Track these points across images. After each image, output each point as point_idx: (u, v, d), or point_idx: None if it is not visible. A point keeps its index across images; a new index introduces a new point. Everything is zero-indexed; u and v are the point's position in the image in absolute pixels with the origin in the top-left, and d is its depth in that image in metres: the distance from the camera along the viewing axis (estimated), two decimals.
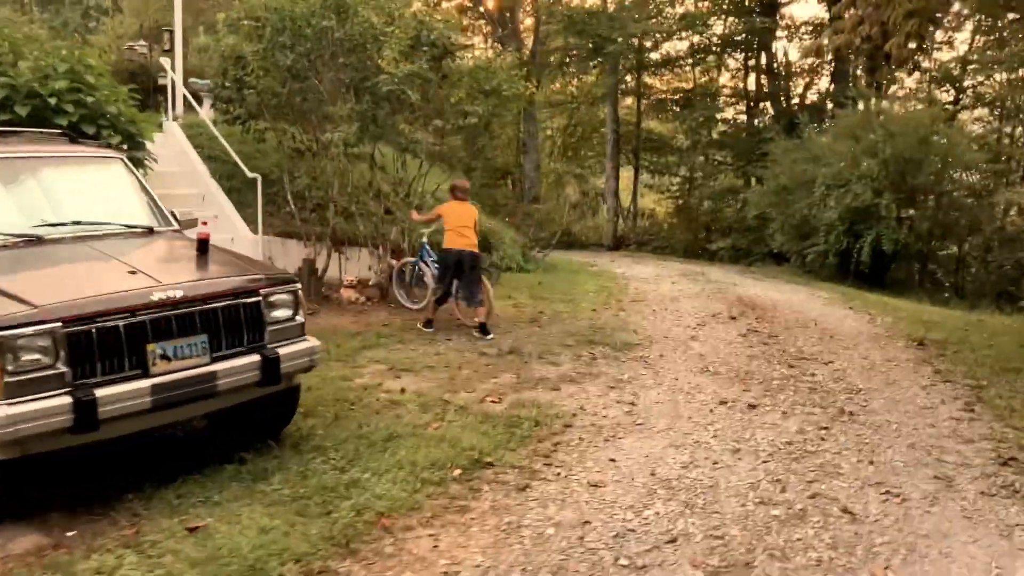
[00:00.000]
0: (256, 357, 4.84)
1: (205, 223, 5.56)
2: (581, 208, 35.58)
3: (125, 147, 9.25)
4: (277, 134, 10.16)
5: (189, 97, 12.16)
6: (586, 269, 16.89)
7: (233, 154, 10.73)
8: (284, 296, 5.12)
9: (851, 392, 7.09)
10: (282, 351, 4.98)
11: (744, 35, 26.71)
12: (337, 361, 7.53)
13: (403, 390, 6.71)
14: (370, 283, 10.62)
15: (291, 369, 5.05)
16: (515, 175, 35.06)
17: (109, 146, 7.80)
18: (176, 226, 6.06)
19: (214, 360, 4.67)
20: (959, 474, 5.20)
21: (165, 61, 12.61)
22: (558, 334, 9.03)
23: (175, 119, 11.95)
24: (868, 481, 5.03)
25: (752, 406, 6.56)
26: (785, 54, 27.84)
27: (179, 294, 4.57)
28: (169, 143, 11.82)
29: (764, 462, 5.31)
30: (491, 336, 8.76)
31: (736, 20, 26.46)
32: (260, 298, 4.95)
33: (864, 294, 14.25)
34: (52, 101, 8.71)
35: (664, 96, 31.03)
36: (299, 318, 5.20)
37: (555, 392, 6.81)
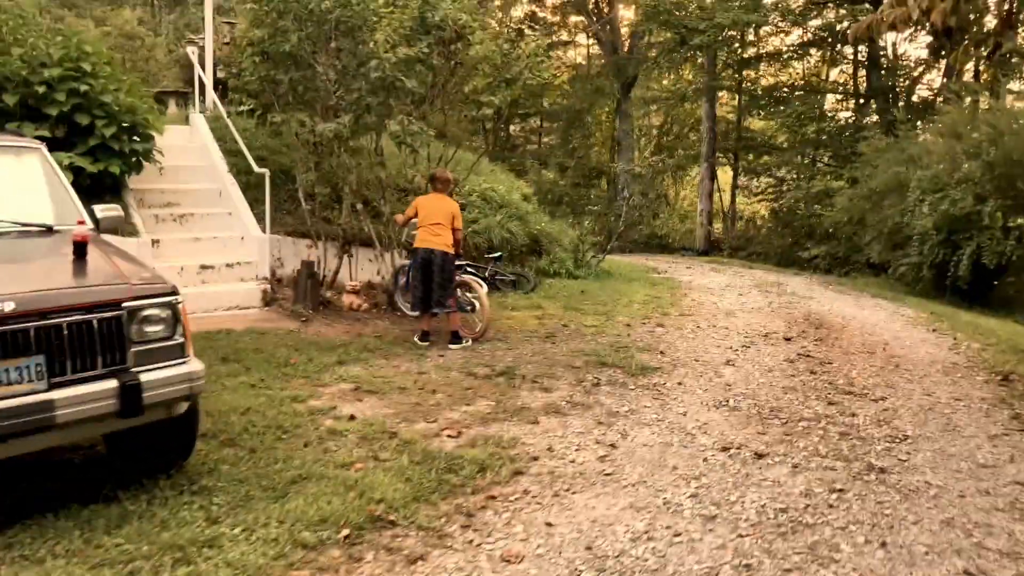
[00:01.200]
0: (113, 383, 4.06)
1: (82, 222, 4.82)
2: (672, 210, 34.15)
3: (126, 139, 8.76)
4: (294, 126, 9.48)
5: (209, 90, 11.67)
6: (648, 276, 15.70)
7: (243, 146, 10.13)
8: (156, 311, 4.32)
9: (892, 441, 5.81)
10: (147, 376, 4.18)
11: (848, 26, 24.73)
12: (302, 378, 6.75)
13: (352, 417, 5.86)
14: (380, 289, 9.84)
15: (159, 398, 4.24)
16: (609, 174, 33.94)
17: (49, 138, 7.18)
18: (91, 226, 5.37)
19: (53, 387, 3.92)
20: (1001, 573, 3.95)
21: (191, 50, 12.20)
22: (569, 353, 8.00)
23: (203, 112, 11.49)
24: (868, 575, 3.85)
25: (759, 455, 5.40)
26: (894, 46, 25.65)
27: (9, 307, 3.83)
28: (194, 136, 11.37)
29: (740, 536, 4.19)
30: (461, 345, 8.05)
31: (840, 10, 24.54)
32: (122, 312, 4.17)
33: (957, 313, 12.55)
34: (41, 90, 8.23)
35: (765, 92, 29.21)
36: (178, 336, 4.40)
37: (530, 426, 5.82)
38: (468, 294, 8.48)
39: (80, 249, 4.53)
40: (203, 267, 9.42)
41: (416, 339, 8.11)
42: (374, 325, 8.87)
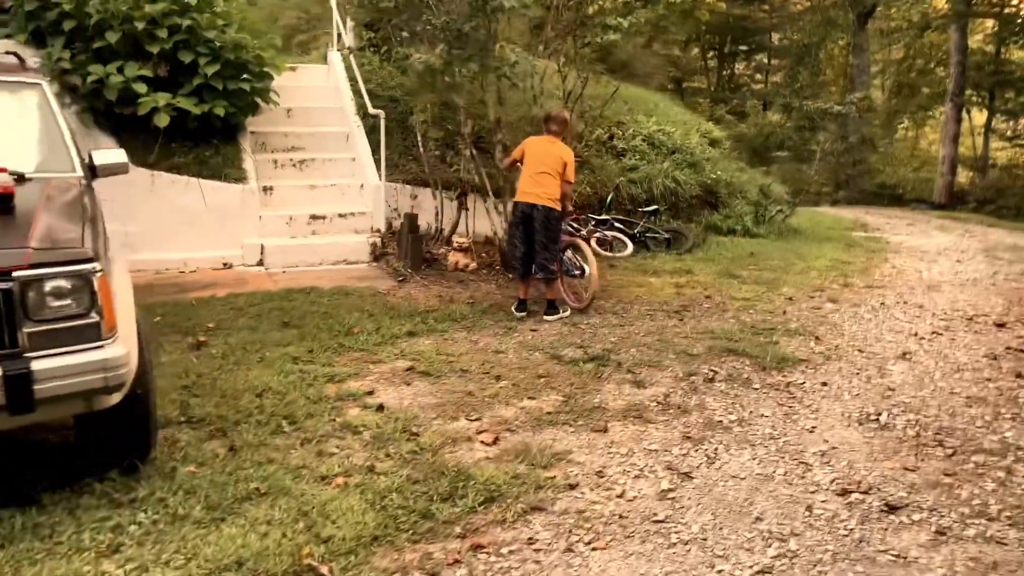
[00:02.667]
0: None
1: (3, 170, 4.05)
2: (898, 157, 30.31)
3: (234, 78, 8.16)
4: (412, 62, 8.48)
5: (336, 21, 10.87)
6: (848, 235, 13.46)
7: (361, 84, 9.27)
8: (62, 282, 3.46)
9: None
10: (43, 364, 3.36)
11: None
12: (358, 351, 5.84)
13: (381, 407, 4.85)
14: (498, 246, 8.72)
15: (61, 391, 3.41)
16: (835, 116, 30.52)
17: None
18: (80, 173, 4.68)
19: None
20: None
21: None
22: (694, 334, 6.52)
23: (341, 50, 10.79)
24: None
25: (891, 507, 3.81)
26: None
27: None
28: (330, 76, 10.71)
29: None
30: (559, 315, 6.86)
31: None
32: (11, 283, 3.35)
33: None
34: (140, 26, 7.74)
35: None
36: (93, 315, 3.52)
37: (593, 436, 4.55)
38: (576, 256, 7.17)
39: (3, 203, 3.78)
40: (313, 217, 8.75)
41: (513, 308, 6.94)
42: (476, 288, 7.79)
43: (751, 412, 4.96)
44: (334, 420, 4.67)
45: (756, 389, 5.38)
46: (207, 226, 8.42)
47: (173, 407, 4.74)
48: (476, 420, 4.74)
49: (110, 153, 4.91)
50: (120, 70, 7.96)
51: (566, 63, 8.54)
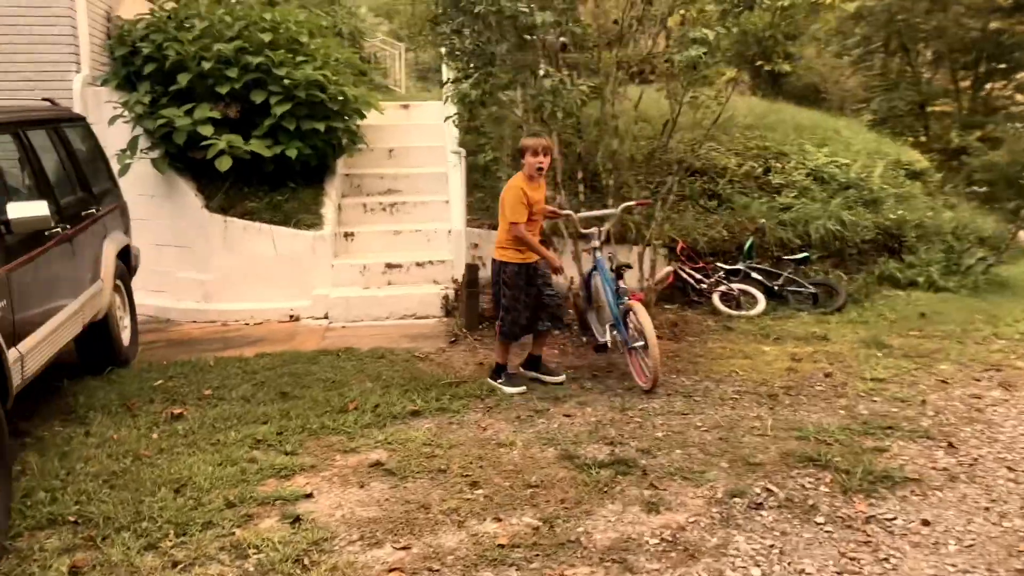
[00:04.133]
0: None
1: None
2: None
3: (308, 118, 7.64)
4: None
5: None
6: None
7: (452, 119, 8.38)
8: None
9: None
10: None
11: None
12: (336, 435, 4.94)
13: (297, 520, 3.89)
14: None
15: None
16: None
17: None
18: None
19: None
20: None
21: None
22: (777, 430, 4.99)
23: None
24: None
25: None
26: None
27: None
28: (443, 114, 9.98)
29: None
30: (557, 380, 5.77)
31: None
32: None
33: None
34: (207, 66, 7.40)
35: None
36: None
37: None
38: (636, 321, 5.80)
39: None
40: (389, 266, 7.99)
41: (546, 377, 5.72)
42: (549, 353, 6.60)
43: (788, 566, 3.47)
44: (231, 534, 3.76)
45: (818, 525, 3.84)
46: (277, 275, 7.90)
47: (73, 501, 4.05)
48: (403, 549, 3.64)
49: (25, 206, 4.33)
50: (190, 112, 7.64)
51: (664, 86, 7.19)
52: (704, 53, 5.84)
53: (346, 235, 8.35)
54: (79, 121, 6.63)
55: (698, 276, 8.36)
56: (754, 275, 8.57)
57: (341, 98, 8.17)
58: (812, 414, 5.28)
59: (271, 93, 7.76)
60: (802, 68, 16.39)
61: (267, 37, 7.79)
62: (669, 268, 8.35)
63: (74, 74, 8.44)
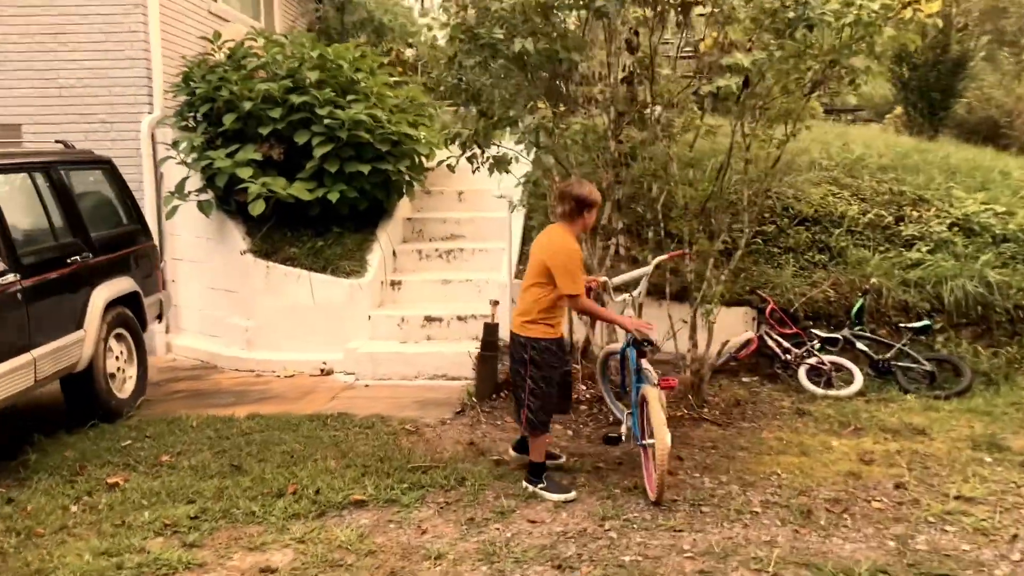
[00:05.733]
0: None
1: None
2: None
3: (355, 160, 7.22)
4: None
5: None
6: None
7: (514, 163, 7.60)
8: None
9: None
10: None
11: None
12: (255, 524, 4.29)
13: None
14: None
15: None
16: None
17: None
18: None
19: None
20: None
21: None
22: (787, 564, 3.82)
23: None
24: None
25: None
26: None
27: None
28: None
29: None
30: (538, 487, 4.64)
31: None
32: None
33: None
34: (247, 106, 7.15)
35: None
36: None
37: None
38: (647, 413, 4.76)
39: None
40: (428, 319, 7.32)
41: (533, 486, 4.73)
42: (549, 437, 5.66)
43: None
44: None
45: None
46: (314, 325, 7.44)
47: None
48: None
49: None
50: (233, 154, 7.38)
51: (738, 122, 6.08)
52: (741, 83, 4.77)
53: (393, 284, 7.79)
54: (96, 164, 6.47)
55: (786, 344, 7.09)
56: (859, 345, 7.18)
57: (396, 138, 7.63)
58: (848, 543, 4.05)
59: (314, 134, 7.35)
60: (976, 99, 14.30)
61: (313, 75, 7.41)
62: (750, 334, 7.14)
63: (146, 115, 8.45)
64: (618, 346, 5.30)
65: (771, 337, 7.17)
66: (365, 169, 7.42)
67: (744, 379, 6.97)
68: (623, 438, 5.04)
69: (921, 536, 4.13)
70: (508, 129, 5.57)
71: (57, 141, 6.26)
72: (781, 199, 8.52)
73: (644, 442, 4.68)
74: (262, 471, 4.90)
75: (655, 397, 4.59)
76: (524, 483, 4.63)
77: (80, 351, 5.58)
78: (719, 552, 3.94)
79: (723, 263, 6.50)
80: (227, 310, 8.00)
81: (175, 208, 7.67)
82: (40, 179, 5.54)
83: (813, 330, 7.28)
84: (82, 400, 5.79)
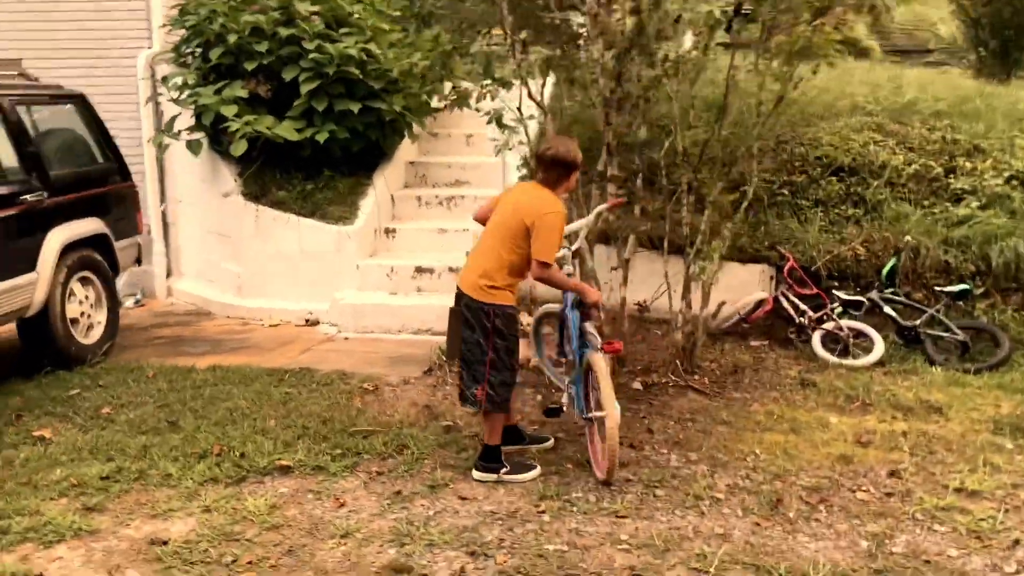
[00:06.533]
0: None
1: None
2: None
3: (346, 98, 6.82)
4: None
5: None
6: None
7: (523, 97, 6.93)
8: None
9: None
10: None
11: None
12: (168, 488, 4.00)
13: None
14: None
15: None
16: None
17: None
18: None
19: None
20: None
21: None
22: (720, 572, 3.33)
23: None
24: None
25: None
26: None
27: None
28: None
29: None
30: (547, 445, 4.40)
31: None
32: None
33: None
34: (232, 39, 6.77)
35: None
36: None
37: None
38: (592, 385, 4.26)
39: None
40: (419, 270, 6.89)
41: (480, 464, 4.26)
42: (523, 401, 5.20)
43: None
44: None
45: None
46: (301, 273, 7.10)
47: None
48: None
49: None
50: (220, 91, 7.01)
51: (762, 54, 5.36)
52: (729, 8, 4.13)
53: (387, 231, 7.38)
54: (65, 99, 6.18)
55: (802, 307, 6.45)
56: (886, 309, 6.50)
57: (394, 76, 7.14)
58: (814, 541, 3.53)
59: (303, 70, 6.92)
60: None
61: (304, 7, 6.93)
62: (763, 294, 6.53)
63: (144, 50, 8.14)
64: (555, 307, 4.76)
65: (787, 298, 6.53)
66: (355, 107, 6.97)
67: (753, 343, 6.37)
68: (563, 408, 4.53)
69: (903, 536, 3.58)
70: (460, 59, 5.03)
71: (19, 74, 5.96)
72: (816, 146, 7.76)
73: (590, 415, 4.20)
74: (196, 428, 4.60)
75: (602, 365, 4.09)
76: (476, 473, 4.11)
77: (31, 294, 5.33)
78: (659, 545, 3.46)
79: (726, 215, 5.86)
80: (220, 255, 7.72)
81: (166, 147, 7.40)
82: None
83: (835, 291, 6.61)
84: (38, 345, 5.57)
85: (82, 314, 5.89)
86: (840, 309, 6.47)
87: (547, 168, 4.05)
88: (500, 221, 4.08)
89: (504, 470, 4.08)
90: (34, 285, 5.36)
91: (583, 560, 3.35)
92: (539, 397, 5.25)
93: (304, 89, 6.87)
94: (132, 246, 6.56)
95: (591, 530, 3.60)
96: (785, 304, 6.51)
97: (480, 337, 4.05)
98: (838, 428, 4.76)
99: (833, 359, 6.02)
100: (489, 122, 5.94)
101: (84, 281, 5.94)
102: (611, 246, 6.25)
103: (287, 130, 6.96)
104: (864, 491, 4.00)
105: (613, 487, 3.98)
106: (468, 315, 4.09)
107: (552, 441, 4.49)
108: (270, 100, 7.14)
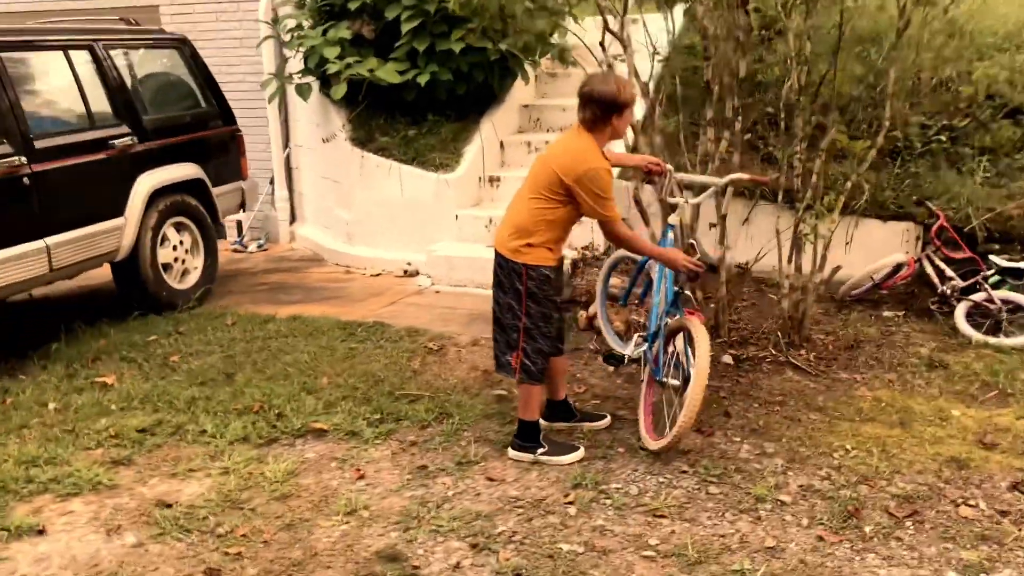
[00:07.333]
0: None
1: None
2: None
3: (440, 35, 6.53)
4: None
5: None
6: None
7: (643, 33, 6.26)
8: None
9: None
10: None
11: None
12: (199, 444, 3.91)
13: None
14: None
15: None
16: None
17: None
18: None
19: None
20: None
21: None
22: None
23: None
24: None
25: None
26: None
27: None
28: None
29: None
30: (602, 424, 3.94)
31: None
32: None
33: None
34: None
35: None
36: None
37: None
38: (679, 347, 3.73)
39: None
40: None
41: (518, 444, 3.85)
42: (586, 367, 4.73)
43: None
44: None
45: None
46: (402, 222, 6.89)
47: None
48: None
49: None
50: (325, 32, 6.83)
51: None
52: None
53: (492, 180, 7.01)
54: (167, 43, 6.18)
55: (948, 272, 5.53)
56: (949, 273, 5.49)
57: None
58: (885, 567, 2.91)
59: (404, 8, 6.60)
60: None
61: None
62: (903, 256, 5.66)
63: None
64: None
65: (932, 261, 5.63)
66: (457, 47, 6.58)
67: (886, 313, 5.55)
68: (627, 359, 4.02)
69: (1005, 571, 2.89)
70: None
71: (120, 18, 6.00)
72: (989, 84, 6.63)
73: (665, 379, 3.71)
74: (244, 384, 4.48)
75: (703, 330, 3.59)
76: (512, 452, 3.73)
77: (119, 240, 5.39)
78: (692, 555, 2.96)
79: (851, 165, 5.05)
80: (334, 201, 7.65)
81: (275, 91, 7.33)
82: (78, 58, 5.28)
83: (993, 256, 5.63)
84: (129, 289, 5.66)
85: (176, 259, 5.94)
86: (996, 278, 5.50)
87: (582, 107, 3.53)
88: (537, 171, 3.62)
89: (541, 450, 3.68)
90: (121, 230, 5.41)
91: (596, 566, 2.92)
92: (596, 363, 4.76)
93: (405, 28, 6.56)
94: (234, 192, 6.55)
95: (618, 529, 3.14)
96: (929, 269, 5.61)
97: (512, 299, 3.63)
98: (960, 423, 3.99)
99: (978, 336, 5.11)
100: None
101: (179, 227, 5.97)
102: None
103: (389, 72, 6.70)
104: (971, 506, 3.29)
105: (662, 479, 3.49)
106: (500, 275, 3.67)
107: (608, 419, 4.02)
108: (376, 41, 6.90)
